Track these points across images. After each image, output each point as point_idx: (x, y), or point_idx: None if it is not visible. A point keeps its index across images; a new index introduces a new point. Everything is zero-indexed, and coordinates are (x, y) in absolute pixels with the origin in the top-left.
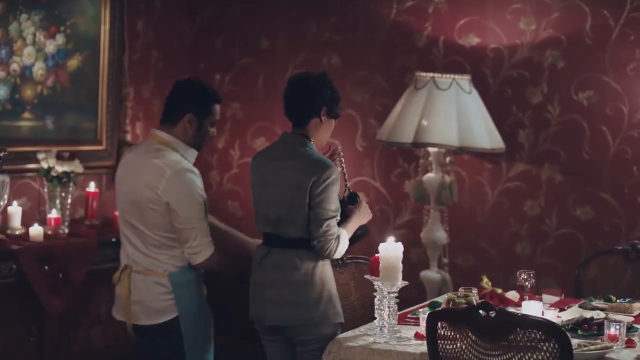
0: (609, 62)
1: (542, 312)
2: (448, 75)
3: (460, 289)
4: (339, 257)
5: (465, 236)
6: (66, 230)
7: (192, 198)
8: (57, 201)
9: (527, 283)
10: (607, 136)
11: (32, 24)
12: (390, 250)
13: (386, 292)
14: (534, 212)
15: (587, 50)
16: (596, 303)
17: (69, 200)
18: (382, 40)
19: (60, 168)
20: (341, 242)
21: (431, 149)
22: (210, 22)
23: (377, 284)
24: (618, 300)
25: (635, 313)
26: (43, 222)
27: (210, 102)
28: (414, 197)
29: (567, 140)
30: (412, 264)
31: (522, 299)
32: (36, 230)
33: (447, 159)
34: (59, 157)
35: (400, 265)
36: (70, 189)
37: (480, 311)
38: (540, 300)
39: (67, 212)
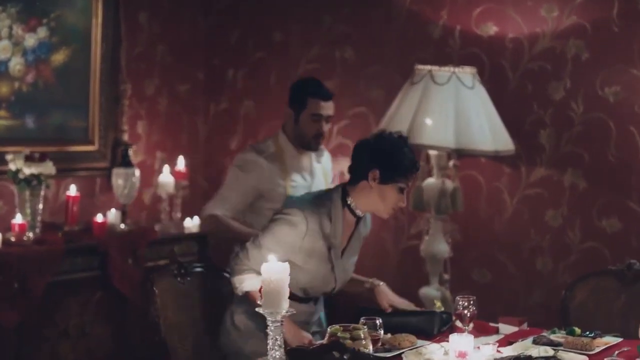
0: (638, 53)
1: (479, 347)
2: (447, 68)
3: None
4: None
5: (482, 248)
6: (31, 237)
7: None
8: (27, 205)
9: (466, 312)
10: (635, 137)
11: (8, 16)
12: (274, 271)
13: (270, 321)
14: (556, 222)
15: (613, 39)
16: (555, 336)
17: (40, 205)
18: (396, 31)
19: (28, 170)
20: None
21: (431, 152)
22: (226, 14)
23: (260, 311)
24: (589, 334)
25: (595, 350)
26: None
27: (304, 93)
28: (411, 205)
29: (592, 141)
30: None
31: (460, 330)
32: None
33: (451, 162)
34: (29, 158)
35: (286, 289)
36: (42, 192)
37: (334, 352)
38: (496, 330)
39: (39, 217)
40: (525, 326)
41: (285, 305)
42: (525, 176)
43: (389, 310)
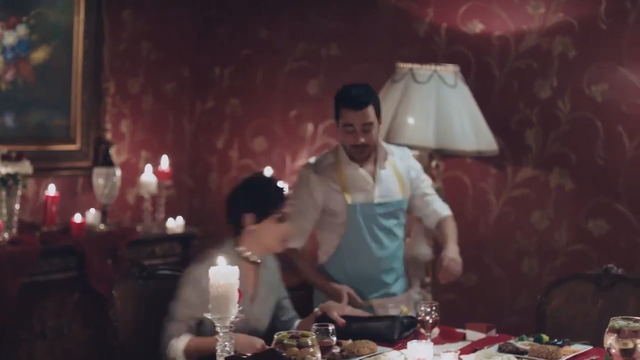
0: (626, 50)
1: (441, 354)
2: (428, 66)
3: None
4: None
5: (468, 251)
6: (7, 237)
7: None
8: (3, 205)
9: (428, 318)
10: (623, 137)
11: None
12: (222, 275)
13: (218, 327)
14: (543, 224)
15: (601, 36)
16: (522, 344)
17: (17, 205)
18: (382, 28)
19: (4, 169)
20: None
21: (413, 151)
22: (213, 11)
23: (208, 317)
24: (557, 341)
25: (562, 359)
26: None
27: (336, 103)
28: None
29: (579, 141)
30: None
31: (423, 337)
32: None
33: (434, 163)
34: (5, 157)
35: (235, 294)
36: (19, 192)
37: None
38: (463, 337)
39: (15, 217)
40: (493, 333)
41: (233, 310)
42: (511, 177)
43: (343, 323)
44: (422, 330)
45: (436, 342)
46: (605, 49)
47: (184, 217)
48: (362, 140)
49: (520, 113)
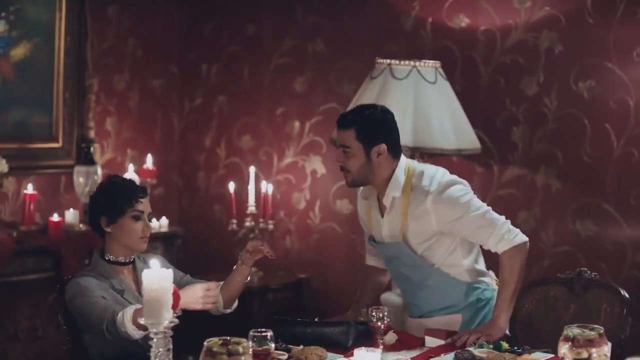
0: (613, 46)
1: None
2: (407, 62)
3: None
4: None
5: None
6: None
7: None
8: None
9: (379, 323)
10: (610, 135)
11: None
12: (155, 278)
13: (152, 333)
14: (529, 225)
15: (588, 31)
16: (479, 351)
17: None
18: (368, 22)
19: None
20: None
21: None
22: (199, 6)
23: (141, 322)
24: (517, 349)
25: None
26: None
27: None
28: None
29: (566, 139)
30: None
31: (376, 344)
32: None
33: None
34: None
35: (169, 297)
36: None
37: None
38: (421, 343)
39: None
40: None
41: (167, 315)
42: (497, 176)
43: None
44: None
45: (393, 348)
46: (592, 44)
47: (173, 217)
48: (339, 161)
49: (507, 111)
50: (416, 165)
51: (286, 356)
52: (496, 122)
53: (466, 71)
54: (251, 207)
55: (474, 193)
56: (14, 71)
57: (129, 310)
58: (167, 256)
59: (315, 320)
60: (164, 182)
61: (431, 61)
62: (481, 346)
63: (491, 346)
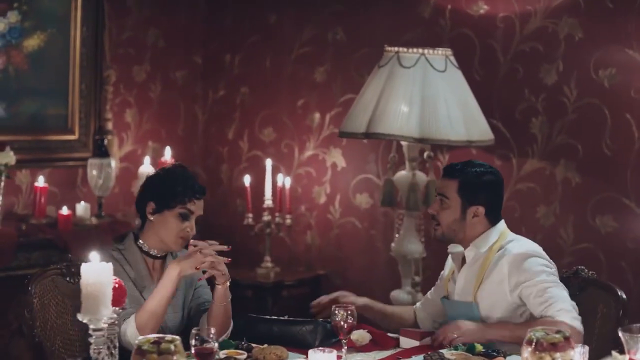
0: (634, 31)
1: None
2: (415, 50)
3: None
4: None
5: None
6: None
7: None
8: None
9: (343, 323)
10: (631, 126)
11: None
12: (91, 272)
13: (91, 330)
14: (549, 221)
15: (608, 17)
16: (451, 353)
17: (0, 197)
18: (387, 11)
19: None
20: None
21: (403, 142)
22: None
23: (79, 318)
24: (492, 352)
25: None
26: None
27: None
28: (380, 200)
29: (586, 131)
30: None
31: (351, 344)
32: None
33: (425, 154)
34: None
35: (107, 293)
36: (2, 182)
37: None
38: (395, 344)
39: None
40: (428, 340)
41: (106, 311)
42: (516, 169)
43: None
44: (353, 336)
45: (366, 349)
46: (612, 30)
47: None
48: (432, 210)
49: (526, 101)
50: (512, 234)
51: (245, 355)
52: (515, 113)
53: (485, 60)
54: (268, 201)
55: None
56: (27, 62)
57: (131, 320)
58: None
59: (285, 318)
60: None
61: (441, 49)
62: (456, 348)
63: (465, 347)
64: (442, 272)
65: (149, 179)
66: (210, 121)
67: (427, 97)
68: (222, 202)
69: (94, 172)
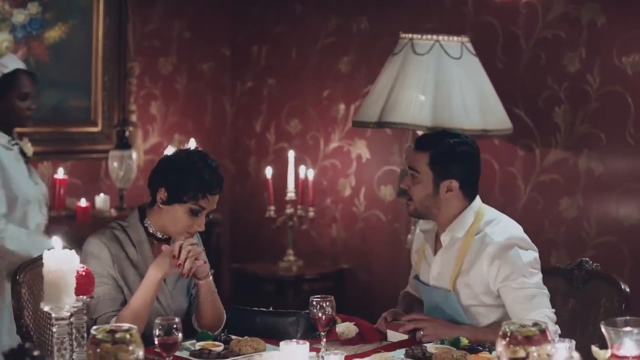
0: None
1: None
2: (429, 37)
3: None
4: None
5: None
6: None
7: None
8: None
9: (320, 314)
10: None
11: None
12: (53, 260)
13: (54, 319)
14: (571, 213)
15: (631, 1)
16: (433, 347)
17: None
18: None
19: None
20: None
21: (419, 132)
22: None
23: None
24: (479, 346)
25: None
26: None
27: None
28: (396, 191)
29: (609, 119)
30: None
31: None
32: None
33: None
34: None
35: (70, 281)
36: None
37: None
38: (382, 338)
39: None
40: (419, 334)
41: (68, 300)
42: (539, 160)
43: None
44: (340, 330)
45: (352, 342)
46: (635, 15)
47: (224, 204)
48: (404, 185)
49: (549, 89)
50: (490, 211)
51: (221, 347)
52: (538, 102)
53: (507, 47)
54: (290, 194)
55: (516, 179)
56: (48, 54)
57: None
58: (206, 245)
59: (270, 310)
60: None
61: (457, 36)
62: (442, 342)
63: (450, 341)
64: (413, 248)
65: (167, 161)
66: (238, 113)
67: (441, 84)
68: (250, 195)
69: (115, 164)
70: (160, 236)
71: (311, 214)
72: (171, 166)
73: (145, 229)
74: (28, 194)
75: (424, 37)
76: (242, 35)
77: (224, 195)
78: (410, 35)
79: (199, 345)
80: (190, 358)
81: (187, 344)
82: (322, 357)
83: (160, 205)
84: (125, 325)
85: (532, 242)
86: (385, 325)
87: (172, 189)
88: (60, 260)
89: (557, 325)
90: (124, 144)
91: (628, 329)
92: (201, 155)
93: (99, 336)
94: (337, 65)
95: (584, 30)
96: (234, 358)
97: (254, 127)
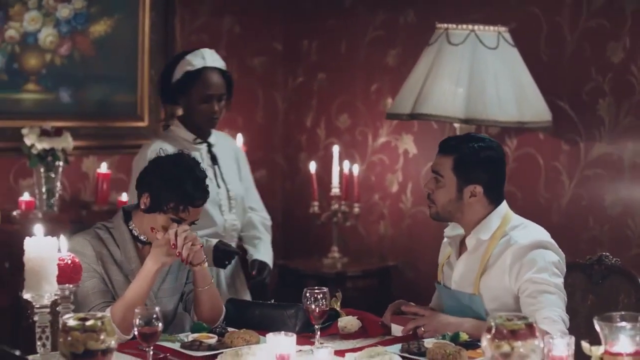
0: None
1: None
2: (465, 26)
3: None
4: None
5: None
6: (40, 216)
7: None
8: (43, 182)
9: (314, 307)
10: None
11: None
12: (32, 247)
13: (36, 307)
14: (616, 210)
15: None
16: (428, 342)
17: (58, 182)
18: None
19: (40, 145)
20: None
21: (456, 125)
22: None
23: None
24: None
25: None
26: None
27: None
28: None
29: None
30: None
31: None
32: None
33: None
34: (44, 132)
35: (50, 269)
36: (60, 168)
37: None
38: (385, 332)
39: (56, 195)
40: (420, 330)
41: (48, 288)
42: (584, 154)
43: None
44: (342, 323)
45: (353, 336)
46: None
47: (276, 200)
48: (427, 189)
49: (593, 81)
50: (516, 217)
51: (215, 339)
52: (582, 94)
53: (551, 38)
54: (335, 189)
55: (560, 174)
56: (93, 48)
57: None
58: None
59: (272, 302)
60: (267, 164)
61: (492, 26)
62: (443, 337)
63: (450, 336)
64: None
65: (153, 166)
66: (289, 109)
67: (474, 75)
68: (300, 191)
69: None
70: (144, 239)
71: (356, 209)
72: (157, 172)
73: (130, 231)
74: None
75: (459, 27)
76: (293, 30)
77: (276, 191)
78: (445, 25)
79: (192, 337)
80: (181, 350)
81: (182, 335)
82: (312, 350)
83: (143, 211)
84: (98, 314)
85: (576, 239)
86: (391, 318)
87: (153, 197)
88: (40, 248)
89: (567, 330)
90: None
91: (623, 324)
92: (189, 164)
93: (70, 324)
94: (384, 58)
95: (628, 20)
96: (223, 350)
97: (304, 122)
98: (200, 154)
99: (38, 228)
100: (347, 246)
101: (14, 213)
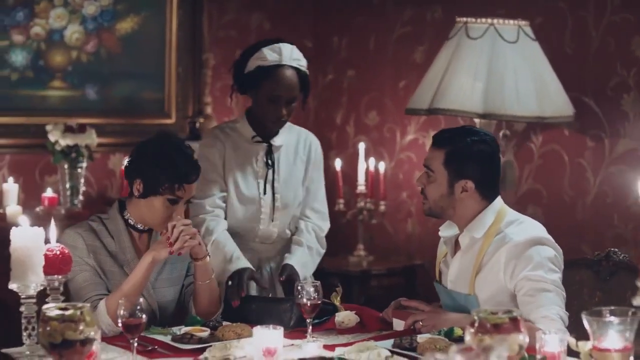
0: None
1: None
2: (484, 20)
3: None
4: None
5: (564, 239)
6: (62, 212)
7: None
8: (67, 178)
9: (306, 300)
10: None
11: None
12: (20, 237)
13: (22, 298)
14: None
15: None
16: (421, 337)
17: (82, 178)
18: None
19: (63, 141)
20: None
21: (476, 120)
22: None
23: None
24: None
25: None
26: None
27: None
28: None
29: None
30: None
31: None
32: (12, 210)
33: (501, 133)
34: (68, 129)
35: (36, 259)
36: (84, 164)
37: None
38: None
39: (81, 191)
40: (419, 325)
41: (35, 278)
42: (608, 150)
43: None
44: (339, 318)
45: (350, 331)
46: None
47: None
48: (418, 183)
49: (618, 76)
50: (512, 212)
51: (207, 333)
52: (607, 90)
53: (576, 33)
54: (360, 187)
55: (585, 171)
56: (120, 45)
57: (101, 307)
58: None
59: (268, 297)
60: None
61: (512, 20)
62: (439, 332)
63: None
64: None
65: (140, 151)
66: (320, 106)
67: (493, 69)
68: (330, 188)
69: None
70: (140, 227)
71: (382, 207)
72: (145, 156)
73: (126, 220)
74: (244, 194)
75: (479, 20)
76: (323, 27)
77: None
78: (464, 19)
79: (184, 330)
80: (171, 343)
81: (175, 328)
82: (301, 345)
83: (137, 197)
84: (79, 304)
85: (601, 237)
86: (392, 313)
87: (147, 181)
88: (26, 238)
89: (566, 328)
90: (195, 136)
91: (611, 319)
92: (175, 143)
93: (49, 314)
94: (412, 55)
95: None
96: (213, 343)
97: (334, 120)
98: (256, 153)
99: (23, 219)
100: (373, 244)
101: (37, 209)
